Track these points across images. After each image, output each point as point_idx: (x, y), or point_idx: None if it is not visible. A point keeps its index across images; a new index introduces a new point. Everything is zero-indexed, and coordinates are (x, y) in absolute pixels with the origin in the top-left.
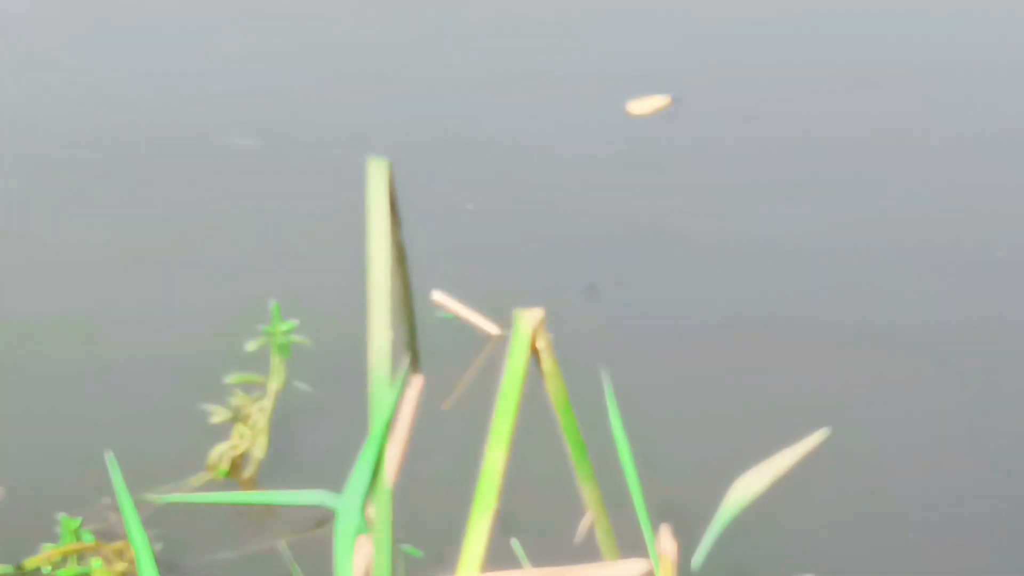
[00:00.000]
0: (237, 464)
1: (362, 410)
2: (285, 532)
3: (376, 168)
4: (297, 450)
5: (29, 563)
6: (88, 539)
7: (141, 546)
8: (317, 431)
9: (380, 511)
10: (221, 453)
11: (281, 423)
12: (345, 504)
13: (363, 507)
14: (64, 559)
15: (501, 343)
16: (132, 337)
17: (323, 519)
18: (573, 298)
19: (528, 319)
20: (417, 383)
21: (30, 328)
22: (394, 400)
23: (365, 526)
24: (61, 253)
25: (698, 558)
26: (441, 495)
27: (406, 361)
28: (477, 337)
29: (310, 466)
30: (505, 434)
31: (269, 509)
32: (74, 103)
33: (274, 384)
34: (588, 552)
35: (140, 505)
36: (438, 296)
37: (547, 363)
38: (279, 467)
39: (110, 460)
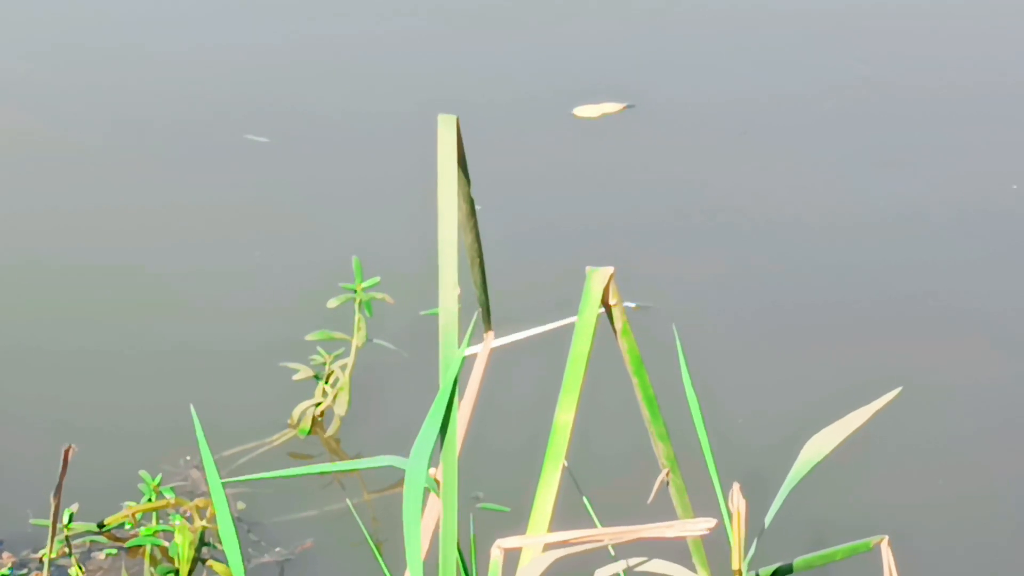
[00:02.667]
0: (319, 422)
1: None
2: (365, 490)
3: (446, 124)
4: (379, 407)
5: (110, 521)
6: (169, 497)
7: (222, 503)
8: (399, 388)
9: (447, 471)
10: (303, 411)
11: (363, 380)
12: (413, 466)
13: (430, 466)
14: (145, 516)
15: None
16: (214, 296)
17: (403, 477)
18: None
19: (599, 276)
20: (489, 340)
21: (112, 287)
22: (463, 357)
23: (435, 485)
24: (142, 214)
25: (770, 516)
26: (512, 453)
27: (478, 318)
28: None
29: (392, 423)
30: (575, 391)
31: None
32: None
33: (356, 341)
34: (661, 511)
35: (221, 463)
36: None
37: (619, 320)
38: (361, 424)
39: (193, 416)
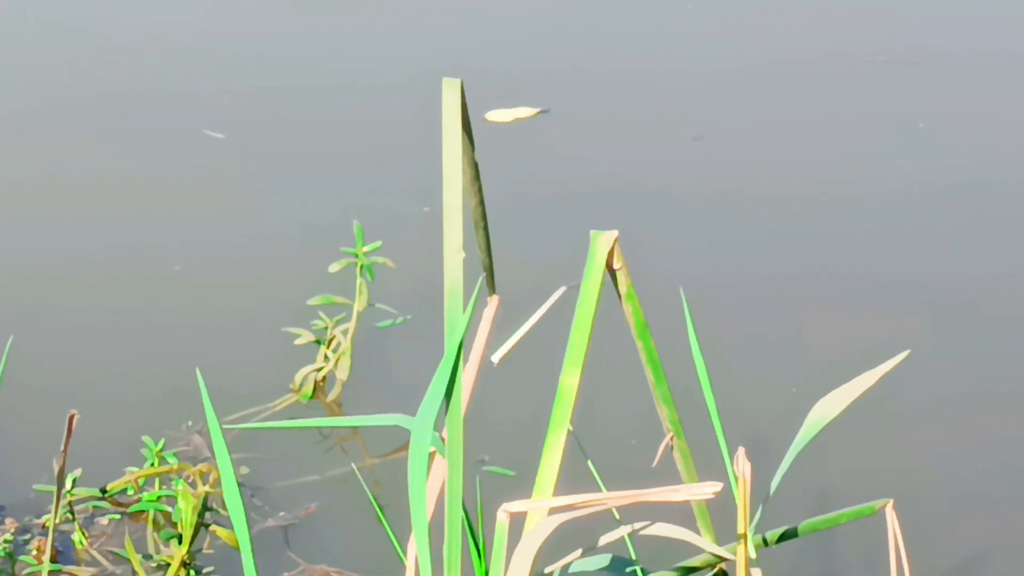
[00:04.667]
0: (321, 386)
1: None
2: (368, 455)
3: (450, 87)
4: (381, 371)
5: (113, 486)
6: (172, 462)
7: (227, 468)
8: (401, 352)
9: (452, 432)
10: (305, 375)
11: (365, 345)
12: (419, 426)
13: (436, 428)
14: (148, 482)
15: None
16: (214, 263)
17: (406, 441)
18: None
19: (604, 240)
20: (493, 304)
21: (113, 255)
22: (468, 320)
23: (441, 447)
24: (138, 181)
25: (775, 480)
26: (517, 417)
27: (481, 281)
28: (555, 261)
29: (394, 387)
30: (580, 355)
31: (353, 432)
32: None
33: (357, 306)
34: (665, 475)
35: (224, 428)
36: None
37: (624, 284)
38: (363, 388)
39: (199, 380)
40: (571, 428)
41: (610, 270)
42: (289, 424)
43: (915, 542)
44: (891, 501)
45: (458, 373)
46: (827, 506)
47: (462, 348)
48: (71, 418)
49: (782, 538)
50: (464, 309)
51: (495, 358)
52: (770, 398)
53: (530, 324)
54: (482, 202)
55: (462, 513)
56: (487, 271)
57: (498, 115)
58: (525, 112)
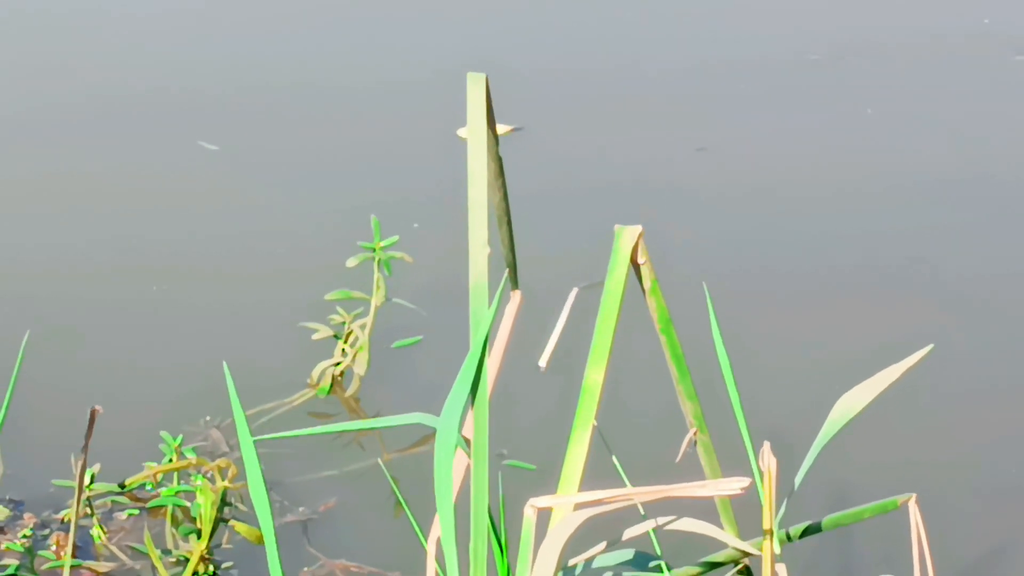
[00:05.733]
0: (339, 381)
1: (463, 326)
2: (385, 450)
3: (475, 82)
4: (399, 366)
5: (132, 481)
6: (190, 457)
7: (253, 463)
8: (419, 347)
9: (478, 428)
10: (323, 370)
11: (382, 340)
12: (444, 422)
13: (462, 424)
14: (166, 477)
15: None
16: (232, 258)
17: (423, 436)
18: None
19: (628, 235)
20: (516, 299)
21: (129, 250)
22: (493, 316)
23: (464, 443)
24: (155, 178)
25: (800, 475)
26: (541, 413)
27: (505, 277)
28: (576, 254)
29: (411, 381)
30: (605, 351)
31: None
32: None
33: (375, 300)
34: (687, 471)
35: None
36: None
37: (648, 279)
38: (381, 383)
39: (227, 375)
40: (595, 423)
41: (634, 265)
42: (314, 431)
43: (937, 537)
44: (914, 496)
45: (483, 369)
46: (847, 501)
47: (487, 344)
48: (93, 413)
49: (805, 533)
50: (489, 305)
51: (541, 363)
52: (790, 393)
53: (559, 328)
54: (506, 197)
55: (487, 510)
56: (510, 267)
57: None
58: (500, 129)
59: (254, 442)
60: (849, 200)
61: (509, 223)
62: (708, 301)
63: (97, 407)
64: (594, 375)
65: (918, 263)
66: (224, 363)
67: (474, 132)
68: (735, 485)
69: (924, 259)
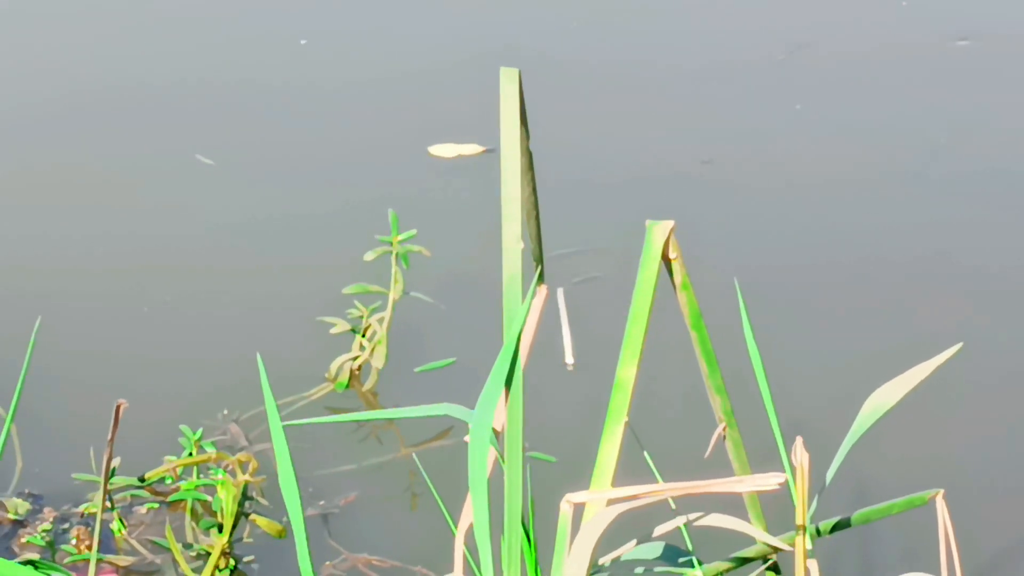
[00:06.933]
0: (356, 375)
1: (480, 320)
2: (403, 444)
3: (508, 76)
4: (417, 360)
5: (151, 475)
6: (210, 450)
7: (283, 454)
8: (436, 341)
9: (512, 424)
10: (341, 365)
11: (400, 334)
12: (479, 415)
13: (494, 418)
14: (186, 471)
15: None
16: (249, 252)
17: (441, 431)
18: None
19: (660, 230)
20: (541, 294)
21: (147, 245)
22: (526, 311)
23: (494, 437)
24: (168, 170)
25: (831, 470)
26: (570, 409)
27: (534, 271)
28: (602, 248)
29: (430, 375)
30: (637, 346)
31: (388, 422)
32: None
33: (393, 294)
34: (715, 467)
35: (259, 417)
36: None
37: (679, 274)
38: (399, 377)
39: (260, 366)
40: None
41: (665, 260)
42: (344, 418)
43: (964, 533)
44: (942, 491)
45: (517, 364)
46: (871, 496)
47: (520, 339)
48: (118, 408)
49: (835, 528)
50: (522, 300)
51: (568, 360)
52: (818, 388)
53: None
54: (535, 192)
55: (520, 506)
56: (537, 261)
57: (441, 150)
58: (470, 149)
59: (266, 431)
60: (878, 192)
61: (537, 217)
62: (739, 297)
63: (122, 401)
64: (626, 370)
65: (948, 257)
66: (259, 355)
67: (506, 127)
68: (771, 480)
69: (953, 252)
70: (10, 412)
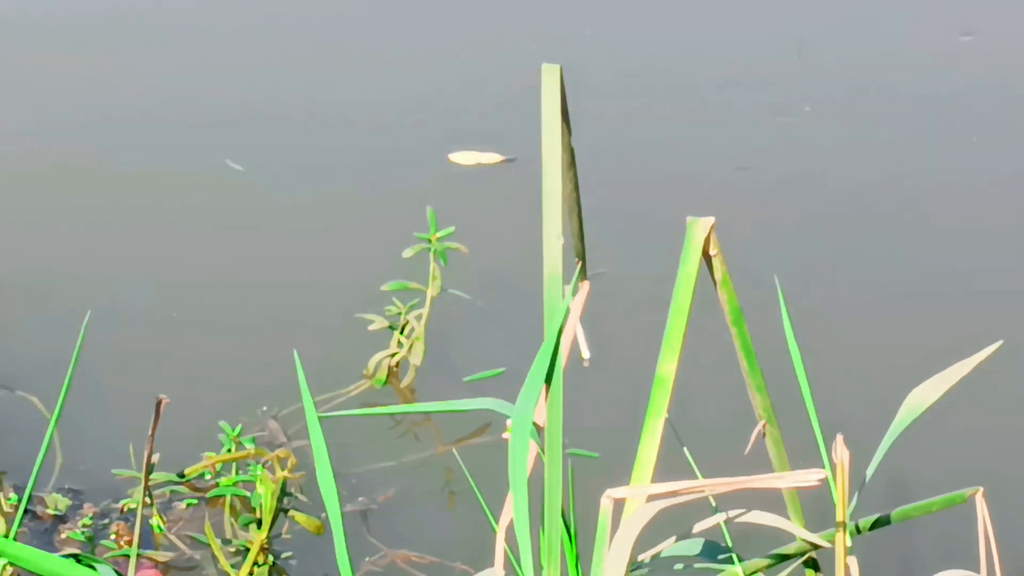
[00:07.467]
0: (395, 372)
1: (518, 317)
2: (440, 441)
3: (549, 73)
4: (455, 357)
5: (191, 471)
6: (249, 446)
7: (321, 451)
8: (475, 338)
9: (552, 420)
10: (379, 361)
11: (438, 330)
12: (520, 412)
13: (535, 413)
14: (225, 467)
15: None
16: (287, 249)
17: (478, 427)
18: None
19: (700, 226)
20: (584, 290)
21: (180, 242)
22: (567, 307)
23: (535, 432)
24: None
25: (871, 468)
26: (611, 404)
27: (576, 268)
28: (643, 244)
29: (468, 372)
30: (677, 342)
31: (425, 419)
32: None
33: (431, 291)
34: (754, 463)
35: (298, 414)
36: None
37: (719, 271)
38: (437, 374)
39: (297, 362)
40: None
41: (705, 257)
42: (385, 411)
43: (1005, 531)
44: (981, 489)
45: (558, 360)
46: (910, 494)
47: (561, 335)
48: (160, 402)
49: (874, 526)
50: (564, 296)
51: (584, 355)
52: (853, 387)
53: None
54: (577, 188)
55: (559, 502)
56: (580, 257)
57: (461, 157)
58: (490, 158)
59: (303, 428)
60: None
61: (579, 214)
62: (780, 294)
63: (163, 396)
64: (667, 366)
65: (986, 258)
66: (295, 352)
67: (548, 123)
68: (812, 477)
69: (992, 255)
70: (55, 413)
